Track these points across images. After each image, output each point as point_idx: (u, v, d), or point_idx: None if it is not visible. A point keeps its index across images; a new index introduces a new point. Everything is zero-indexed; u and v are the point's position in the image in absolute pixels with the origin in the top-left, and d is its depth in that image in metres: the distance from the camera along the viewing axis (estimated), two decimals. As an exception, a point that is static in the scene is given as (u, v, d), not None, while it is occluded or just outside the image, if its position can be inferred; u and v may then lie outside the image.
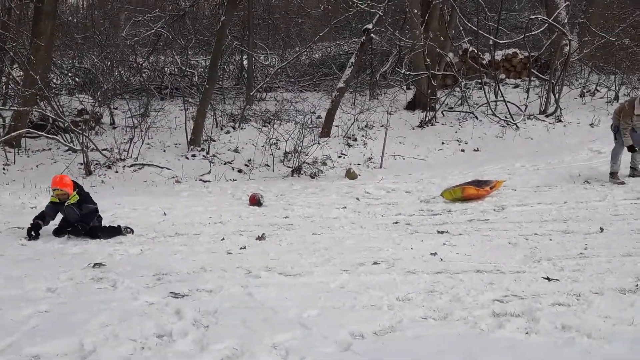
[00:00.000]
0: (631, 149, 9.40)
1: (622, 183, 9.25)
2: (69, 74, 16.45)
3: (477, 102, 15.58)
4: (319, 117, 14.58)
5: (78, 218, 6.67)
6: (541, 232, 6.73)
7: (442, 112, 15.07)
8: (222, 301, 4.51)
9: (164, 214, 7.99)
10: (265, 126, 13.70)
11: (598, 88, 16.17)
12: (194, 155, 12.16)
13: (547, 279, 5.02)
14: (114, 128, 13.29)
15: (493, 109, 14.80)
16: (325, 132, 13.58)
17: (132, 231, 6.89)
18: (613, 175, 9.48)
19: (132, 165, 11.45)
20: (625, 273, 5.12)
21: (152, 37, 16.99)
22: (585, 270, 5.21)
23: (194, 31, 17.45)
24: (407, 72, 15.85)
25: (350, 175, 11.13)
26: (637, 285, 4.79)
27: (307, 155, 11.78)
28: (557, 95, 14.83)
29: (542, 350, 3.70)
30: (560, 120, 14.37)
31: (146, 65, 16.88)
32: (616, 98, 15.35)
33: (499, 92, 15.29)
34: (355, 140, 13.56)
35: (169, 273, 5.23)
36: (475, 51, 16.73)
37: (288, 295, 4.66)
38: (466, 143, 13.48)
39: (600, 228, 6.72)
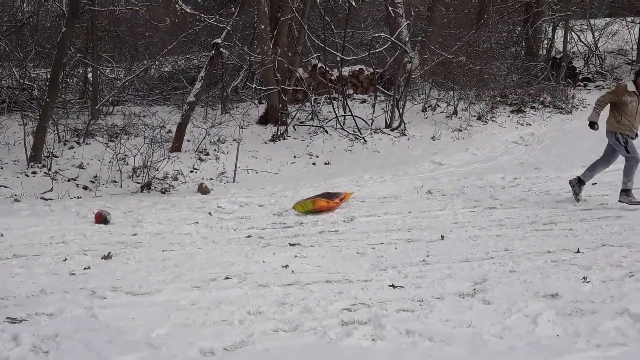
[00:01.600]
0: (592, 126, 8.32)
1: (638, 203, 8.04)
2: None
3: (326, 116, 15.93)
4: (169, 131, 14.30)
5: None
6: (387, 241, 6.98)
7: (293, 127, 15.28)
8: (63, 324, 4.30)
9: (1, 234, 7.50)
10: (112, 141, 13.23)
11: (438, 103, 17.04)
12: (34, 172, 11.51)
13: (393, 286, 5.22)
14: (-55, 144, 12.33)
15: (342, 124, 15.21)
16: (176, 146, 13.34)
17: (-37, 255, 6.41)
18: (628, 192, 8.13)
19: (-35, 184, 10.66)
20: (463, 278, 5.42)
21: (-13, 48, 15.92)
22: (427, 277, 5.47)
23: (34, 43, 16.55)
24: (258, 87, 15.94)
25: (203, 190, 11.00)
26: (474, 289, 5.09)
27: (157, 170, 11.51)
28: (401, 110, 15.50)
29: (388, 355, 3.84)
30: (404, 134, 15.02)
31: (-20, 78, 15.79)
32: (455, 112, 16.28)
33: (347, 107, 15.74)
34: (208, 154, 13.43)
35: (6, 297, 4.92)
36: (324, 67, 17.15)
37: (135, 315, 4.52)
38: (317, 156, 13.75)
39: (441, 236, 7.07)
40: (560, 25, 22.52)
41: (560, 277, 5.30)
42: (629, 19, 23.60)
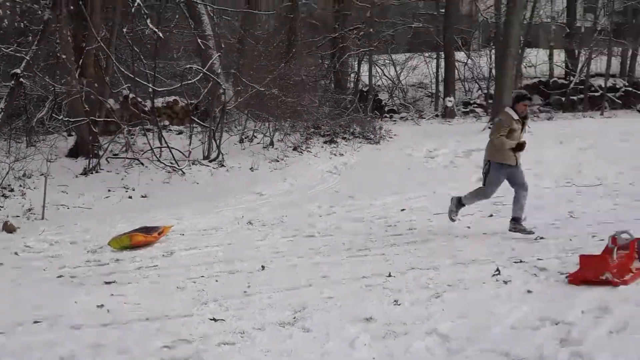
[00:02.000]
0: (519, 147, 7.97)
1: (527, 231, 7.96)
2: None
3: (142, 148, 15.55)
4: (-35, 167, 13.21)
5: None
6: (208, 274, 6.91)
7: (106, 159, 14.74)
8: None
9: None
10: None
11: (255, 134, 17.30)
12: None
13: (214, 319, 5.19)
14: None
15: (158, 156, 14.91)
16: (-26, 183, 12.35)
17: None
18: (517, 220, 8.05)
19: None
20: (284, 307, 5.51)
21: None
22: (248, 308, 5.50)
23: None
24: (66, 119, 15.23)
25: (8, 228, 10.24)
26: (294, 318, 5.19)
27: (-47, 209, 10.58)
28: (218, 141, 15.52)
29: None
30: (223, 165, 15.05)
31: None
32: (271, 143, 16.59)
33: (163, 138, 15.48)
34: (12, 190, 12.55)
35: None
36: (136, 98, 16.76)
37: None
38: (133, 190, 13.34)
39: (262, 266, 7.14)
40: (365, 59, 23.89)
41: (374, 301, 5.56)
42: (427, 54, 25.60)
